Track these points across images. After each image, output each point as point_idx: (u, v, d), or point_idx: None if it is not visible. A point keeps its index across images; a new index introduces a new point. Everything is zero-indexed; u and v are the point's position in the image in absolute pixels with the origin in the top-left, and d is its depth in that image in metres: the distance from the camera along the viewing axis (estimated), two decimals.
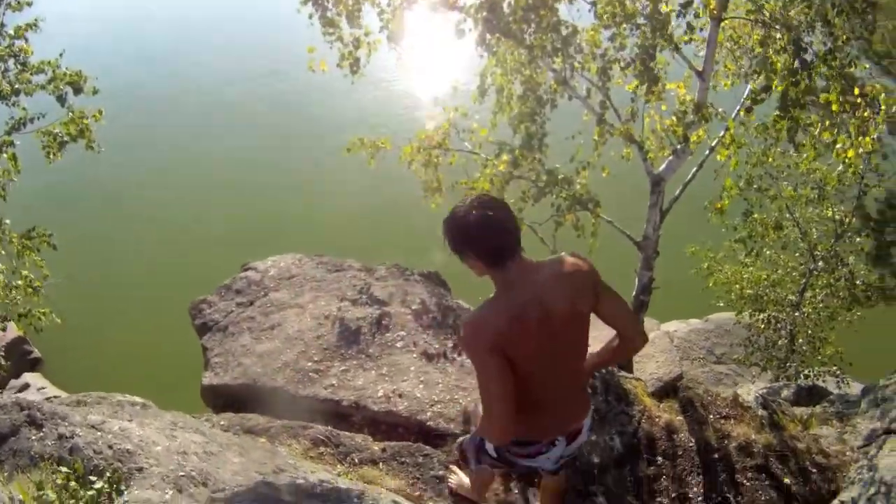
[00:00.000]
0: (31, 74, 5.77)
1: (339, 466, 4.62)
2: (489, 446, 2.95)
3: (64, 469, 3.22)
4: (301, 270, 6.09)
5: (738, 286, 7.36)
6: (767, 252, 7.21)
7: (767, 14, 5.18)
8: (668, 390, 8.28)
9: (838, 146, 5.19)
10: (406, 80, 16.98)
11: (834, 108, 4.99)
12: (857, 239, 6.83)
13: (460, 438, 3.45)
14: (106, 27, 24.60)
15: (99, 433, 3.91)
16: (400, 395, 4.96)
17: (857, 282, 6.74)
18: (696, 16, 5.25)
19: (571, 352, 2.65)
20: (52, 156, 6.15)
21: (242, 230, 12.81)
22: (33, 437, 3.85)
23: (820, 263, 6.95)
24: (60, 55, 5.91)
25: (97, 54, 20.93)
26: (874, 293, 6.71)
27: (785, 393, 6.09)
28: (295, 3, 5.62)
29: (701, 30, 5.57)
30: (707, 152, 6.04)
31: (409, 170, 6.40)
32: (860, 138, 5.01)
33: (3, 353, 5.98)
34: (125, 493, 3.16)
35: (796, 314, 7.03)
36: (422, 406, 4.86)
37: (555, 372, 2.60)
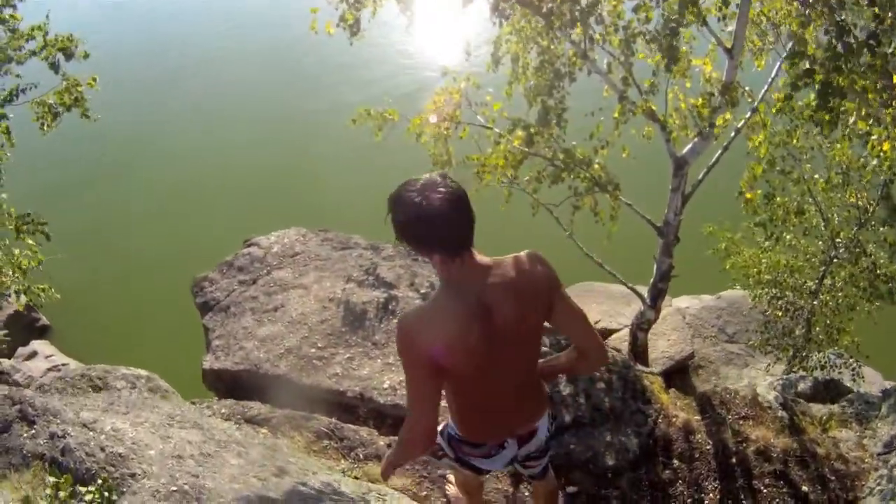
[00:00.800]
0: (23, 42, 5.47)
1: (343, 462, 4.47)
2: (447, 447, 2.80)
3: (52, 479, 3.06)
4: (305, 248, 5.86)
5: (755, 270, 7.13)
6: (787, 237, 6.95)
7: None
8: (680, 369, 8.26)
9: (873, 137, 4.90)
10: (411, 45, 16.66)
11: (870, 95, 4.67)
12: (881, 229, 6.54)
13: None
14: None
15: (91, 433, 3.77)
16: None
17: (879, 272, 6.50)
18: None
19: (519, 359, 2.44)
20: (45, 127, 5.90)
21: (245, 198, 12.61)
22: (25, 435, 3.75)
23: (841, 251, 6.70)
24: (47, 17, 5.57)
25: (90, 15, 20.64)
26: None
27: (801, 386, 5.91)
28: None
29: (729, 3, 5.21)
30: (733, 134, 5.75)
31: (418, 142, 6.11)
32: None
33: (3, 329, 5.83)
34: None
35: (814, 302, 6.81)
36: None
37: (500, 379, 2.41)
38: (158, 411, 4.61)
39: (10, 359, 8.55)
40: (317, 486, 3.66)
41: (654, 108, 5.53)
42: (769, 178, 6.32)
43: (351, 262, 5.72)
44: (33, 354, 9.56)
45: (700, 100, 5.06)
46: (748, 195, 5.24)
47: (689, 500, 4.29)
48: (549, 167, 5.48)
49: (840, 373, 6.82)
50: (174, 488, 3.13)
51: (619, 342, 7.81)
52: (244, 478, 3.56)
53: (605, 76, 5.57)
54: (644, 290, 6.37)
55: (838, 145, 5.66)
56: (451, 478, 4.03)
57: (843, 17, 4.54)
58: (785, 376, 6.12)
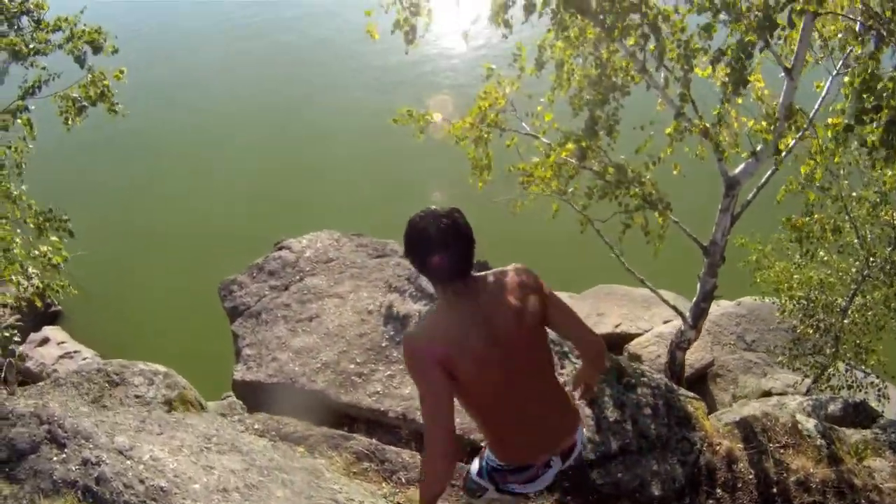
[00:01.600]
0: (48, 33, 5.20)
1: (384, 486, 4.36)
2: (487, 481, 2.84)
3: None
4: (340, 253, 5.66)
5: (786, 285, 7.03)
6: (821, 253, 6.85)
7: (875, 13, 4.65)
8: (700, 377, 8.20)
9: None
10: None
11: None
12: None
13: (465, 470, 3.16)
14: None
15: (129, 462, 3.62)
16: None
17: None
18: (797, 11, 4.72)
19: (533, 368, 2.53)
20: (69, 122, 5.66)
21: (272, 196, 12.44)
22: (55, 459, 3.57)
23: (875, 271, 6.61)
24: (81, 12, 5.31)
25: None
26: None
27: (831, 408, 5.88)
28: None
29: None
30: (784, 154, 5.60)
31: (457, 145, 5.92)
32: None
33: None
34: None
35: (844, 321, 6.74)
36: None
37: (522, 392, 2.50)
38: (193, 431, 4.47)
39: (22, 343, 8.36)
40: None
41: (709, 127, 5.36)
42: (807, 191, 6.21)
43: (389, 270, 5.53)
44: (45, 341, 9.42)
45: (762, 123, 4.89)
46: (799, 222, 5.11)
47: None
48: (600, 182, 5.31)
49: (866, 392, 6.79)
50: None
51: (639, 348, 7.75)
52: None
53: (662, 91, 5.38)
54: (668, 296, 6.26)
55: (889, 171, 5.52)
56: None
57: None
58: (815, 397, 6.08)
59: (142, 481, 3.49)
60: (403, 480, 4.38)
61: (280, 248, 5.91)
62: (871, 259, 6.68)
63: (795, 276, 7.02)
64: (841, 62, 5.55)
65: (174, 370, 7.34)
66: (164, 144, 15.11)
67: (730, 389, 8.11)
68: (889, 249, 6.65)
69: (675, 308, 6.26)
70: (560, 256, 9.93)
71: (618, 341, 7.94)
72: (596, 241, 6.17)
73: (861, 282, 6.77)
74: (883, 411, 6.15)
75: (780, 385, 7.80)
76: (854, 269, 6.90)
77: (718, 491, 4.53)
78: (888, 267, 6.56)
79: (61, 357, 8.97)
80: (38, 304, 6.10)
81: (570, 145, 5.29)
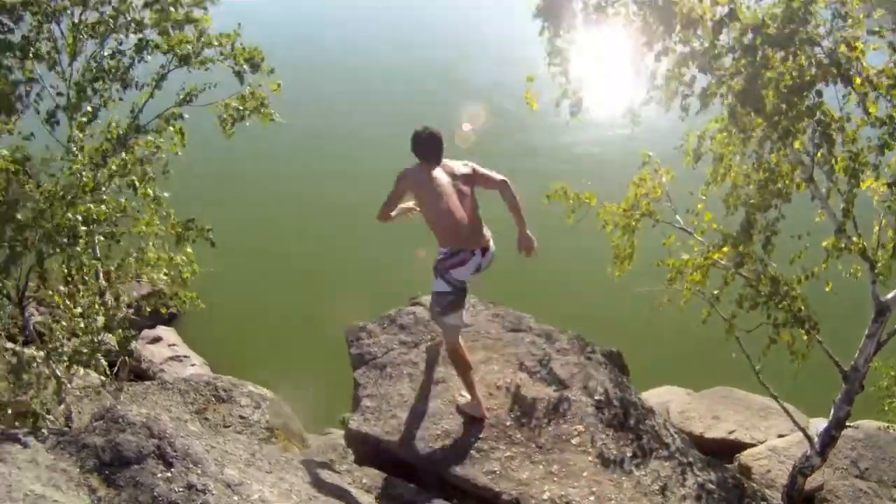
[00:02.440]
0: (209, 47, 5.37)
1: None
2: (440, 284, 4.64)
3: None
4: (475, 321, 5.59)
5: None
6: None
7: None
8: (808, 499, 7.71)
9: None
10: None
11: None
12: None
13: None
14: None
15: (235, 498, 3.57)
16: None
17: None
18: None
19: (461, 203, 4.60)
20: (227, 129, 5.82)
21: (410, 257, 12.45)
22: (159, 475, 3.51)
23: None
24: (238, 29, 5.46)
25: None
26: None
27: None
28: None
29: None
30: None
31: (603, 230, 5.83)
32: None
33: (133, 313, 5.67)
34: None
35: None
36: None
37: (455, 212, 4.55)
38: (302, 477, 4.44)
39: (137, 336, 8.56)
40: None
41: (866, 246, 5.09)
42: None
43: (522, 347, 5.42)
44: (157, 340, 9.70)
45: None
46: None
47: None
48: (751, 291, 5.09)
49: None
50: None
51: (750, 459, 7.33)
52: None
53: (825, 202, 5.15)
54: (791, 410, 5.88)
55: None
56: (463, 395, 4.99)
57: None
58: None
59: None
60: None
61: (414, 303, 5.90)
62: None
63: None
64: None
65: (279, 396, 7.42)
66: (322, 173, 15.52)
67: None
68: None
69: (803, 431, 5.91)
70: (686, 354, 9.81)
71: (729, 449, 7.55)
72: (719, 337, 5.89)
73: None
74: None
75: None
76: None
77: None
78: None
79: (170, 359, 9.21)
80: (163, 311, 6.23)
81: (725, 248, 5.10)
